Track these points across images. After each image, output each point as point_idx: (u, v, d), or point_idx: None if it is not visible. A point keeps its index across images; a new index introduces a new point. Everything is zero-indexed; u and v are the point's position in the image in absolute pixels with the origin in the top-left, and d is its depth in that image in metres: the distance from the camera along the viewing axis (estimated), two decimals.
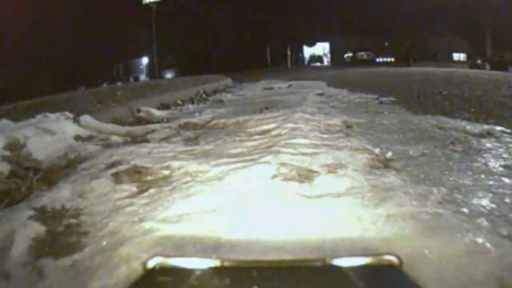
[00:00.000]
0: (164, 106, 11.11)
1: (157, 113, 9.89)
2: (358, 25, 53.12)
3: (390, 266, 1.10)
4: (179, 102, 12.25)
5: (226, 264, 1.13)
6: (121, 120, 8.80)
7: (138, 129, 7.50)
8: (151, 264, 1.11)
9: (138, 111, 10.00)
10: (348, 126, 5.94)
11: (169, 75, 53.89)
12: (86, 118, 7.81)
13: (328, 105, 8.28)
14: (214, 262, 1.13)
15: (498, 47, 43.10)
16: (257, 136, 5.42)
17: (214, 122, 6.84)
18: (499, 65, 31.95)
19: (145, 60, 56.22)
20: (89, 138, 6.77)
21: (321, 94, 10.49)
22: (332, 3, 52.31)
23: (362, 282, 1.00)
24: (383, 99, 9.01)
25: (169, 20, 47.18)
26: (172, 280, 1.05)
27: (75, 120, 7.63)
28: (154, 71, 43.79)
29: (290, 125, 5.64)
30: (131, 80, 50.61)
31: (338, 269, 1.07)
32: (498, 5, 42.92)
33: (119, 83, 36.76)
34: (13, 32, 34.52)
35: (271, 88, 13.94)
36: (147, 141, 6.15)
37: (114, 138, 6.79)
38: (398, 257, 1.13)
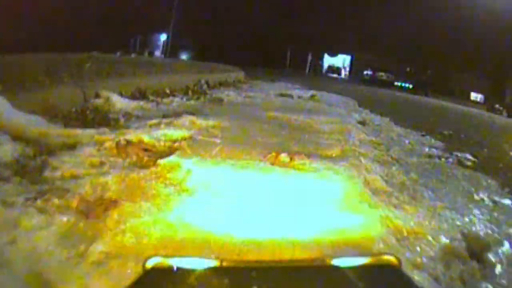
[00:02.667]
0: (140, 94, 7.64)
1: (121, 103, 6.45)
2: (382, 43, 49.62)
3: (389, 266, 1.00)
4: (167, 90, 8.76)
5: (225, 264, 0.99)
6: (58, 109, 5.31)
7: (57, 134, 4.13)
8: (149, 264, 0.95)
9: (97, 96, 6.55)
10: None
11: (184, 56, 51.21)
12: None
13: (390, 156, 4.68)
14: (213, 262, 0.98)
15: None
16: None
17: (174, 159, 3.22)
18: None
19: (163, 37, 52.67)
20: None
21: (362, 123, 6.95)
22: (360, 17, 48.93)
23: (362, 282, 0.92)
24: (458, 154, 5.74)
25: (196, 3, 43.91)
26: (171, 280, 0.94)
27: None
28: (167, 49, 40.32)
29: None
30: (145, 54, 47.41)
31: (338, 269, 0.97)
32: None
33: (133, 55, 33.50)
34: None
35: (290, 96, 10.29)
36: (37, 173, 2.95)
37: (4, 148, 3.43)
38: (397, 257, 1.01)
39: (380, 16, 46.85)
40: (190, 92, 9.46)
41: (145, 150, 3.71)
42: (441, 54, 46.94)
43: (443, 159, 5.30)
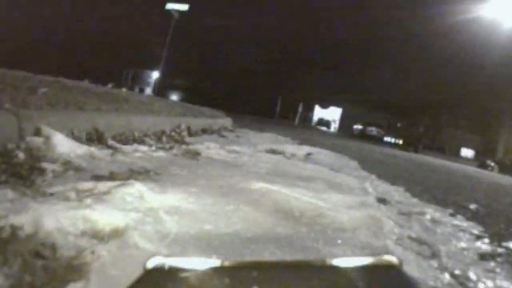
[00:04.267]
0: (97, 135, 5.97)
1: (64, 147, 4.75)
2: (374, 99, 49.26)
3: (390, 266, 0.92)
4: (136, 134, 7.13)
5: (226, 264, 0.91)
6: None
7: None
8: (150, 264, 0.88)
9: (37, 132, 4.88)
10: None
11: (174, 96, 50.28)
12: None
13: (447, 270, 2.96)
14: (214, 262, 0.90)
15: (509, 150, 40.43)
16: None
17: None
18: (509, 169, 30.14)
19: (155, 75, 51.64)
20: None
21: (383, 201, 5.24)
22: (353, 72, 48.59)
23: (362, 282, 0.86)
24: (509, 246, 4.37)
25: (188, 45, 43.21)
26: (172, 280, 0.86)
27: None
28: (156, 87, 39.27)
29: None
30: (136, 90, 46.26)
31: (338, 269, 0.90)
32: None
33: (123, 89, 32.17)
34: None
35: (281, 153, 8.58)
36: None
37: None
38: (398, 257, 0.92)
39: (373, 72, 46.50)
40: (164, 139, 7.83)
41: (37, 254, 2.01)
42: (431, 109, 46.63)
43: (498, 260, 3.72)
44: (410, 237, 3.56)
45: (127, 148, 5.83)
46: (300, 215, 3.25)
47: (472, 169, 22.64)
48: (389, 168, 11.27)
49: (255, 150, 8.22)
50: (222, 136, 11.45)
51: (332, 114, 53.99)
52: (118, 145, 5.87)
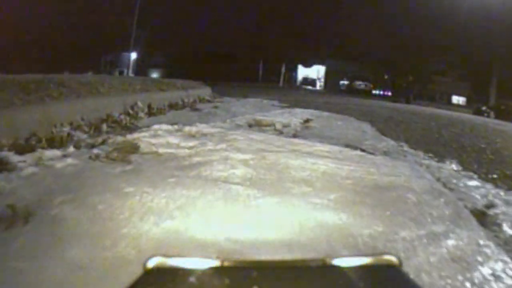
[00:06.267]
0: None
1: None
2: (357, 52, 46.58)
3: (390, 266, 0.90)
4: (57, 130, 4.70)
5: (226, 264, 0.89)
6: None
7: None
8: (150, 264, 0.86)
9: None
10: None
11: (155, 74, 47.74)
12: None
13: None
14: (214, 262, 0.88)
15: (502, 95, 37.96)
16: None
17: None
18: (505, 114, 28.35)
19: (133, 55, 48.89)
20: None
21: (490, 228, 2.84)
22: (332, 27, 45.98)
23: (362, 282, 0.84)
24: None
25: (160, 18, 40.55)
26: (171, 280, 0.83)
27: None
28: (129, 67, 36.73)
29: None
30: (116, 73, 43.78)
31: (338, 269, 0.87)
32: (505, 54, 37.45)
33: (103, 74, 29.86)
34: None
35: (269, 126, 6.00)
36: None
37: None
38: (398, 257, 0.89)
39: (353, 24, 43.82)
40: (104, 127, 5.45)
41: None
42: (418, 58, 44.18)
43: None
44: None
45: (23, 160, 3.44)
46: None
47: (482, 119, 20.35)
48: (407, 128, 9.12)
49: (232, 126, 5.78)
50: (195, 109, 9.08)
51: (316, 72, 51.53)
52: (10, 158, 3.45)
